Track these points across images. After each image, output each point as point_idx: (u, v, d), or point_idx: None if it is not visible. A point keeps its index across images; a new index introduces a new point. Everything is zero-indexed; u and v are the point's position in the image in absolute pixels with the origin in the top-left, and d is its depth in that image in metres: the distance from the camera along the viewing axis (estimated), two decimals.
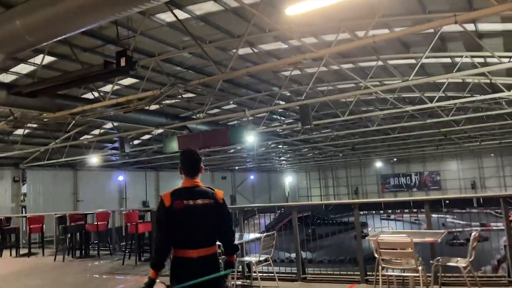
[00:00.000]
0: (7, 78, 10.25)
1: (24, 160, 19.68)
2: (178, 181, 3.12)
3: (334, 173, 43.52)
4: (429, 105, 11.96)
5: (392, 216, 28.04)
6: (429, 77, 10.42)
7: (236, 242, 5.15)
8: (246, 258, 6.06)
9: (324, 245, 17.27)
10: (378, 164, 38.91)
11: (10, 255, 10.82)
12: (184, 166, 3.06)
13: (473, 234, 4.30)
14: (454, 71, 9.41)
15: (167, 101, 12.81)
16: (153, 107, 11.95)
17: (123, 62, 5.30)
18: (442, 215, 23.37)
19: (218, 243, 3.08)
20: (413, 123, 16.32)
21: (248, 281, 6.30)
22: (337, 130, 18.44)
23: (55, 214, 10.65)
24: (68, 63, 9.66)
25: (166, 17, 8.32)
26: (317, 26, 8.66)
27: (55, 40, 4.30)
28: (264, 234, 5.61)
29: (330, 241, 20.40)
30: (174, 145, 11.78)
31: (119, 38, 6.55)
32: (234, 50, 8.43)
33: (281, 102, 14.22)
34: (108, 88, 10.89)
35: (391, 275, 4.51)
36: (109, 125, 15.76)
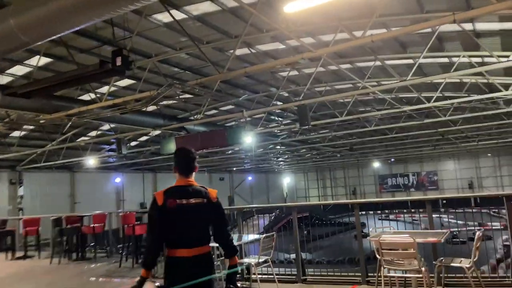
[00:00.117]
0: (2, 79, 10.18)
1: (20, 162, 19.57)
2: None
3: (332, 174, 43.53)
4: (427, 105, 11.96)
5: (390, 216, 28.02)
6: (426, 77, 10.40)
7: (235, 243, 5.10)
8: (245, 260, 5.97)
9: (322, 246, 17.22)
10: (376, 164, 38.94)
11: (6, 258, 10.70)
12: (179, 165, 3.05)
13: (477, 233, 4.21)
14: (451, 71, 9.40)
15: (165, 102, 12.78)
16: (150, 108, 11.90)
17: (119, 62, 5.23)
18: (440, 215, 23.37)
19: (213, 244, 3.05)
20: (410, 123, 16.33)
21: (247, 283, 6.22)
22: (335, 131, 18.43)
23: (51, 217, 10.54)
24: (65, 64, 9.59)
25: (163, 17, 8.28)
26: (314, 25, 8.63)
27: (50, 39, 4.24)
28: (264, 235, 5.50)
29: (329, 241, 20.36)
30: (171, 146, 11.71)
31: (115, 39, 6.48)
32: (232, 51, 8.40)
33: (279, 103, 14.19)
34: (104, 89, 10.84)
35: (393, 276, 4.43)
36: (106, 126, 15.68)
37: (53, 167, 20.08)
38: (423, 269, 3.99)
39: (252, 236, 5.99)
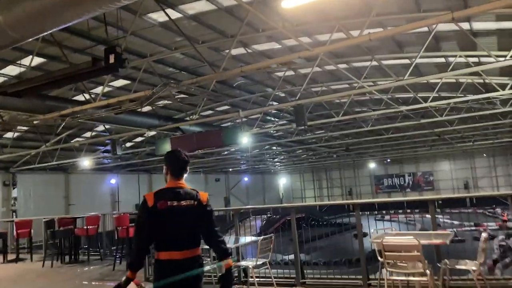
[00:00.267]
0: None
1: (14, 163, 19.35)
2: None
3: (328, 174, 43.52)
4: (423, 105, 11.94)
5: (386, 217, 28.05)
6: (422, 76, 10.38)
7: (232, 245, 4.99)
8: (243, 263, 5.83)
9: (319, 247, 17.14)
10: (372, 165, 38.98)
11: None
12: (171, 167, 3.02)
13: (483, 235, 4.09)
14: (448, 70, 9.38)
15: (160, 103, 12.68)
16: (146, 108, 11.79)
17: (112, 59, 5.10)
18: (436, 216, 23.32)
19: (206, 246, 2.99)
20: (406, 123, 16.33)
21: (244, 286, 6.09)
22: (331, 131, 18.40)
23: (44, 218, 10.38)
24: (58, 64, 9.46)
25: (158, 16, 8.19)
26: (311, 25, 8.59)
27: (40, 35, 4.14)
28: (261, 237, 5.36)
29: (325, 242, 20.30)
30: (167, 147, 11.60)
31: (109, 38, 6.38)
32: (227, 51, 8.32)
33: (275, 103, 14.13)
34: (99, 89, 10.71)
35: (396, 279, 4.30)
36: (100, 127, 15.54)
37: (47, 168, 19.87)
38: (428, 272, 3.88)
39: (249, 238, 5.85)
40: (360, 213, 6.21)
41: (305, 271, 6.26)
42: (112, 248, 10.61)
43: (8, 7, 3.57)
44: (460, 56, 9.65)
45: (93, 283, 7.38)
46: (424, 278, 3.96)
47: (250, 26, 8.53)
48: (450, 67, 9.54)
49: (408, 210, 24.89)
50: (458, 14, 5.05)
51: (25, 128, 14.89)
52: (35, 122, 11.47)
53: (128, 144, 19.66)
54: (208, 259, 5.82)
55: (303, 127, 11.51)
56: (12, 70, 10.00)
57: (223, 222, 24.96)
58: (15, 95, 6.41)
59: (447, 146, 26.68)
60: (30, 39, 4.16)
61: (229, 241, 5.66)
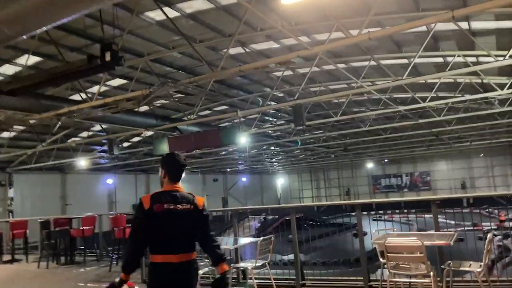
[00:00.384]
0: None
1: (10, 163, 19.24)
2: None
3: (326, 175, 43.50)
4: (421, 104, 11.93)
5: (384, 217, 28.07)
6: (421, 76, 10.35)
7: (231, 247, 4.92)
8: (242, 264, 5.73)
9: (317, 247, 17.11)
10: (369, 165, 38.98)
11: None
12: (169, 170, 3.01)
13: (488, 236, 4.02)
14: (446, 70, 9.36)
15: (157, 103, 12.60)
16: (143, 108, 11.73)
17: (108, 57, 5.02)
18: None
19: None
20: (404, 123, 16.32)
21: None
22: (329, 131, 18.37)
23: (39, 219, 10.27)
24: (55, 63, 9.37)
25: (155, 15, 8.12)
26: (309, 24, 8.54)
27: (35, 32, 4.06)
28: (261, 238, 5.27)
29: (323, 242, 20.26)
30: (164, 147, 11.54)
31: (106, 36, 6.31)
32: (225, 50, 8.27)
33: (273, 103, 14.08)
34: (95, 89, 10.63)
35: (398, 281, 4.24)
36: (97, 127, 15.45)
37: (44, 168, 19.78)
38: (431, 273, 3.81)
39: (248, 239, 5.75)
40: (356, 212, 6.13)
41: (304, 271, 6.17)
42: (109, 248, 10.51)
43: (2, 4, 3.51)
44: (459, 56, 9.62)
45: (89, 284, 7.28)
46: (427, 280, 3.90)
47: (248, 25, 8.48)
48: (449, 67, 9.52)
49: (405, 210, 24.89)
50: (458, 13, 5.02)
51: (21, 127, 14.79)
52: (31, 121, 11.38)
53: (125, 144, 19.58)
54: (207, 260, 5.75)
55: (301, 127, 11.46)
56: (8, 69, 9.91)
57: (221, 222, 24.92)
58: (10, 94, 6.33)
59: (445, 146, 26.70)
60: (25, 36, 4.10)
61: (228, 242, 5.59)
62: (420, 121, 15.29)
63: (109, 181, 25.46)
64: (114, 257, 8.84)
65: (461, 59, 9.72)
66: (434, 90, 11.52)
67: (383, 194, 40.02)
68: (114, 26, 6.78)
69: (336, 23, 6.48)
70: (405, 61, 10.78)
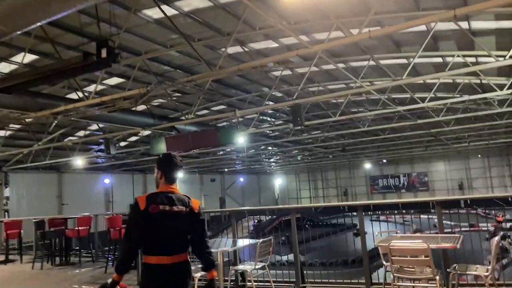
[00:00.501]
0: None
1: (6, 162, 19.08)
2: None
3: (324, 175, 43.49)
4: (420, 105, 11.89)
5: (382, 218, 28.08)
6: (420, 76, 10.29)
7: (230, 249, 4.83)
8: (240, 267, 5.60)
9: (315, 247, 17.07)
10: (367, 165, 38.99)
11: None
12: (166, 172, 2.98)
13: (496, 239, 3.91)
14: (446, 70, 9.31)
15: (155, 102, 12.51)
16: (140, 107, 11.63)
17: (104, 54, 4.92)
18: (432, 216, 23.40)
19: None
20: (403, 123, 16.29)
21: None
22: (327, 132, 18.32)
23: (34, 219, 10.14)
24: (51, 61, 9.24)
25: (153, 13, 8.04)
26: (309, 23, 8.47)
27: (30, 28, 3.96)
28: (261, 240, 5.17)
29: (321, 243, 20.23)
30: (162, 147, 11.44)
31: (102, 34, 6.21)
32: (224, 49, 8.18)
33: (271, 103, 14.01)
34: (92, 88, 10.53)
35: (402, 285, 4.11)
36: (94, 126, 15.34)
37: (40, 167, 19.65)
38: (437, 277, 3.72)
39: (247, 241, 5.62)
40: (355, 213, 6.07)
41: (304, 272, 6.06)
42: (105, 249, 10.38)
43: None
44: (458, 56, 9.58)
45: (84, 286, 7.12)
46: (433, 284, 3.81)
47: (247, 24, 8.41)
48: (448, 67, 9.47)
49: (403, 211, 24.91)
50: (460, 11, 4.96)
51: (17, 126, 14.66)
52: (27, 120, 11.27)
53: (122, 144, 19.47)
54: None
55: (299, 127, 11.38)
56: (3, 68, 9.79)
57: (218, 223, 24.82)
58: (5, 92, 6.22)
59: (443, 146, 26.71)
60: (20, 32, 4.01)
61: (226, 244, 5.50)
62: (419, 121, 15.25)
63: (106, 180, 25.34)
64: (110, 258, 8.71)
65: (460, 59, 9.68)
66: (433, 91, 11.48)
67: (381, 194, 40.03)
68: (111, 24, 6.69)
69: (336, 22, 6.41)
70: (404, 61, 10.73)
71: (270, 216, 25.55)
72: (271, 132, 20.28)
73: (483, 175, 35.92)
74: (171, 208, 2.82)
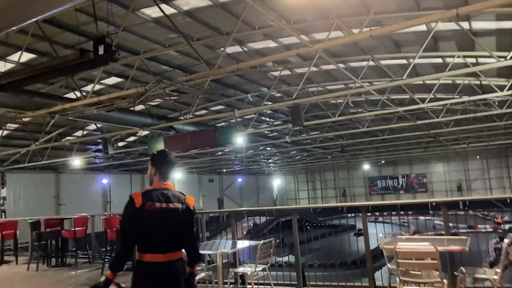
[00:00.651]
0: None
1: (3, 162, 18.97)
2: None
3: (322, 176, 43.47)
4: (420, 106, 11.86)
5: (380, 219, 28.04)
6: (420, 77, 10.25)
7: (229, 250, 4.76)
8: (240, 269, 5.48)
9: (314, 248, 17.00)
10: (366, 166, 38.97)
11: None
12: (160, 169, 2.93)
13: (506, 241, 3.82)
14: (446, 71, 9.27)
15: (153, 102, 12.42)
16: (138, 107, 11.54)
17: (101, 51, 4.84)
18: (431, 218, 23.42)
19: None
20: (402, 124, 16.25)
21: None
22: (326, 132, 18.27)
23: (29, 220, 10.01)
24: (49, 60, 9.19)
25: (152, 12, 7.97)
26: (308, 23, 8.42)
27: (24, 24, 3.88)
28: (261, 241, 5.08)
29: (320, 244, 20.17)
30: (160, 147, 11.36)
31: (100, 33, 6.13)
32: (222, 48, 8.11)
33: (270, 103, 13.94)
34: (90, 87, 10.45)
35: None
36: (92, 126, 15.25)
37: (37, 167, 19.55)
38: (445, 281, 3.63)
39: (247, 242, 5.52)
40: (353, 214, 6.00)
41: (305, 273, 5.97)
42: (101, 249, 10.25)
43: None
44: (458, 57, 9.53)
45: None
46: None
47: (246, 23, 8.35)
48: (448, 68, 9.43)
49: (402, 212, 24.87)
50: (462, 10, 4.90)
51: (14, 126, 14.56)
52: (24, 119, 11.17)
53: (120, 144, 19.39)
54: (203, 264, 5.57)
55: (298, 127, 11.32)
56: (1, 67, 9.70)
57: (217, 224, 24.75)
58: (0, 90, 6.13)
59: (441, 148, 26.68)
60: (16, 30, 3.93)
61: (226, 245, 5.41)
62: (418, 122, 15.21)
63: (104, 181, 25.24)
64: (106, 260, 8.58)
65: (460, 60, 9.63)
66: (433, 91, 11.44)
67: (379, 195, 40.02)
68: (109, 23, 6.62)
69: (337, 21, 6.35)
70: (403, 61, 10.69)
71: (267, 218, 25.45)
72: (269, 132, 20.21)
73: (482, 176, 35.95)
74: (167, 205, 2.77)
